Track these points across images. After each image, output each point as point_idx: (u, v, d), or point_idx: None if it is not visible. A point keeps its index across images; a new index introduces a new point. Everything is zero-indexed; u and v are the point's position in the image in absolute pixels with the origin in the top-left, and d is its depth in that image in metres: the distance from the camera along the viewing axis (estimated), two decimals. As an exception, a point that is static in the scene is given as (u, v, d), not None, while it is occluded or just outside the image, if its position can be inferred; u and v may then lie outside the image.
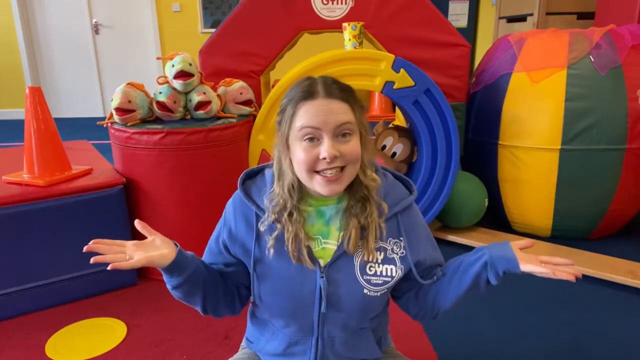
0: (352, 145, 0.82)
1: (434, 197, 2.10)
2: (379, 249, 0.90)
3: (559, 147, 2.05)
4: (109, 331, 1.59)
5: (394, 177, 0.98)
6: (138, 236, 0.89)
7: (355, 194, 0.88)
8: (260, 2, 2.20)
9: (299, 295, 0.90)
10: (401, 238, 0.92)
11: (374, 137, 2.31)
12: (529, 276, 0.96)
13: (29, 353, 1.48)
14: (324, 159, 0.80)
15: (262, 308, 0.95)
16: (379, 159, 2.18)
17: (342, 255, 0.89)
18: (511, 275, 0.96)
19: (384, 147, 2.23)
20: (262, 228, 0.89)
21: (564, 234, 2.22)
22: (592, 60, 2.02)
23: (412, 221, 0.94)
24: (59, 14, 5.84)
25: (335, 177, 0.82)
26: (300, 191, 0.88)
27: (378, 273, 0.90)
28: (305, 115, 0.81)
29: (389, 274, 0.91)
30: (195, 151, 1.80)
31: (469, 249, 2.16)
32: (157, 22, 5.90)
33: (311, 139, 0.81)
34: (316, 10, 2.23)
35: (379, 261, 0.90)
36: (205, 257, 1.01)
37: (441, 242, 2.25)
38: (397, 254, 0.91)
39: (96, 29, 5.94)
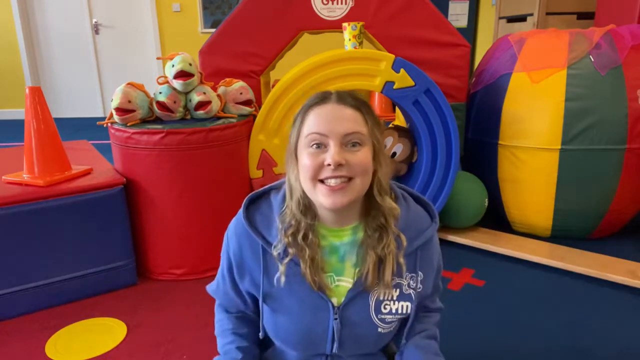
0: (362, 155, 0.76)
1: (434, 197, 2.10)
2: (395, 286, 0.84)
3: (559, 147, 2.05)
4: (109, 331, 1.59)
5: (414, 199, 0.90)
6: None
7: (372, 222, 0.81)
8: (260, 2, 2.20)
9: (311, 333, 0.85)
10: (420, 273, 0.86)
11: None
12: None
13: (29, 353, 1.48)
14: (329, 165, 0.74)
15: (273, 338, 0.92)
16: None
17: (357, 295, 0.83)
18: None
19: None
20: (274, 253, 0.82)
21: (564, 234, 2.22)
22: (592, 60, 2.02)
23: (431, 254, 0.89)
24: (59, 14, 5.84)
25: (340, 186, 0.74)
26: (311, 210, 0.81)
27: (393, 311, 0.85)
28: (313, 121, 0.77)
29: (403, 311, 0.86)
30: (195, 151, 1.80)
31: (469, 249, 2.18)
32: (157, 22, 5.90)
33: (318, 146, 0.76)
34: (316, 10, 2.23)
35: (394, 298, 0.85)
36: (222, 301, 0.96)
37: (441, 242, 2.24)
38: (413, 289, 0.86)
39: (96, 29, 5.94)
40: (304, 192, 0.79)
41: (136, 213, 1.88)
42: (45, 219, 1.66)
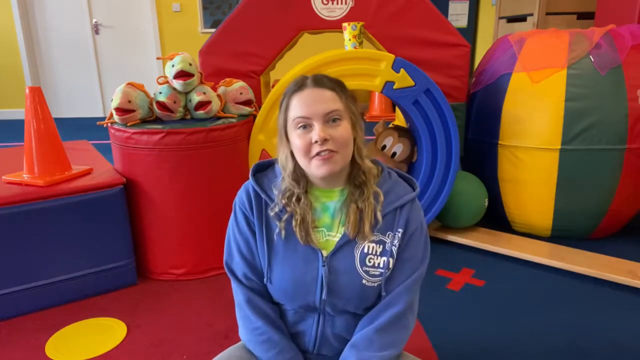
0: (342, 129, 0.89)
1: (434, 197, 2.10)
2: (379, 242, 0.95)
3: (559, 147, 2.05)
4: (109, 331, 1.59)
5: (398, 175, 1.03)
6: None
7: (354, 179, 0.95)
8: (260, 2, 2.20)
9: (302, 281, 0.95)
10: (399, 230, 0.95)
11: (374, 137, 2.31)
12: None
13: (29, 353, 1.48)
14: (316, 142, 0.87)
15: (271, 289, 0.99)
16: (380, 159, 2.18)
17: (343, 246, 0.94)
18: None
19: (384, 147, 2.23)
20: (271, 213, 0.95)
21: (564, 234, 2.22)
22: (592, 60, 2.02)
23: (412, 215, 0.97)
24: (59, 14, 5.84)
25: (329, 156, 0.87)
26: (304, 178, 0.95)
27: (376, 265, 0.94)
28: (297, 106, 0.90)
29: (384, 265, 0.94)
30: (195, 151, 1.80)
31: (469, 249, 2.18)
32: (157, 22, 5.90)
33: (304, 127, 0.89)
34: (316, 10, 2.23)
35: (378, 253, 0.95)
36: (243, 270, 1.00)
37: (441, 242, 2.25)
38: (394, 246, 0.95)
39: (96, 29, 5.94)
40: (294, 166, 0.93)
41: (136, 213, 1.88)
42: (45, 219, 1.66)
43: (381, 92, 1.98)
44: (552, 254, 2.04)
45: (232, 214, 1.02)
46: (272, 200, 0.96)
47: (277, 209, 0.95)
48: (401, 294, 0.95)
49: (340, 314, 0.98)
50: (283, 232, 0.94)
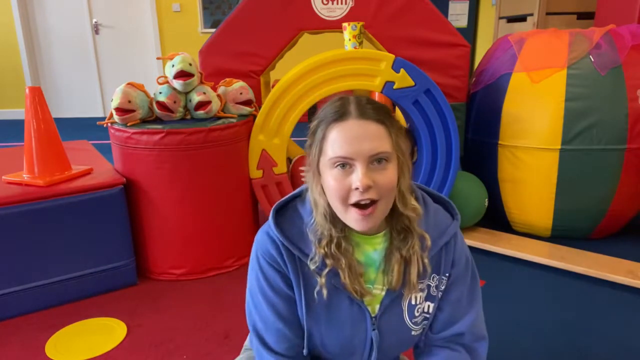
0: (388, 174, 0.75)
1: (434, 197, 2.10)
2: (424, 288, 0.85)
3: (559, 147, 2.05)
4: (109, 331, 1.59)
5: (433, 199, 0.90)
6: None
7: (396, 225, 0.82)
8: (260, 2, 2.20)
9: (349, 344, 0.85)
10: (447, 274, 0.86)
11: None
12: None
13: (29, 353, 1.48)
14: (357, 188, 0.73)
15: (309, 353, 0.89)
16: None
17: (391, 302, 0.84)
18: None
19: (384, 147, 2.22)
20: (312, 266, 0.80)
21: (564, 234, 2.22)
22: (592, 60, 2.02)
23: (456, 252, 0.87)
24: (59, 14, 5.84)
25: (370, 210, 0.75)
26: (340, 220, 0.80)
27: (423, 311, 0.87)
28: (337, 142, 0.74)
29: (428, 310, 0.87)
30: (195, 151, 1.80)
31: (469, 249, 2.17)
32: (157, 22, 5.90)
33: (343, 166, 0.74)
34: (316, 10, 2.23)
35: (423, 299, 0.86)
36: (284, 335, 0.84)
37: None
38: (441, 291, 0.86)
39: (96, 29, 5.94)
40: (329, 206, 0.79)
41: (136, 213, 1.88)
42: (45, 219, 1.66)
43: (381, 92, 1.98)
44: (552, 254, 2.04)
45: (257, 270, 0.84)
46: (305, 254, 0.81)
47: (317, 262, 0.79)
48: (466, 338, 0.88)
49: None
50: (325, 291, 0.80)
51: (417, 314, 0.86)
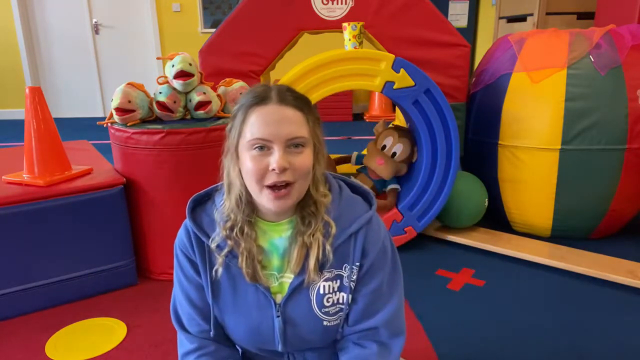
0: (304, 157, 0.78)
1: (434, 197, 2.10)
2: (335, 278, 0.85)
3: (559, 147, 2.05)
4: (109, 331, 1.59)
5: (352, 189, 0.91)
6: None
7: (303, 210, 0.83)
8: (260, 2, 2.20)
9: (258, 330, 0.87)
10: (357, 264, 0.85)
11: (374, 137, 2.31)
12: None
13: (29, 353, 1.48)
14: (273, 170, 0.76)
15: (229, 335, 0.93)
16: (379, 159, 2.18)
17: (297, 289, 0.84)
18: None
19: (384, 147, 2.23)
20: (212, 245, 0.84)
21: (564, 234, 2.22)
22: (592, 60, 2.02)
23: (369, 242, 0.85)
24: (59, 14, 5.84)
25: (285, 192, 0.77)
26: (250, 205, 0.83)
27: (335, 302, 0.85)
28: (255, 124, 0.77)
29: (342, 301, 0.86)
30: (195, 151, 1.80)
31: (469, 249, 2.18)
32: (157, 22, 5.91)
33: (261, 148, 0.77)
34: (316, 10, 2.23)
35: (336, 289, 0.85)
36: (195, 320, 0.91)
37: (441, 242, 2.25)
38: (352, 281, 0.85)
39: (96, 29, 5.94)
40: (244, 188, 0.81)
41: (136, 213, 1.88)
42: (45, 219, 1.66)
43: (381, 92, 1.98)
44: (552, 254, 2.04)
45: (175, 260, 0.90)
46: (209, 237, 0.85)
47: (217, 242, 0.83)
48: (381, 334, 0.87)
49: (307, 351, 0.92)
50: (220, 270, 0.83)
51: (327, 304, 0.85)
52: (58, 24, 5.87)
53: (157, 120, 1.88)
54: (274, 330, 0.86)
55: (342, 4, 2.23)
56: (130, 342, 1.53)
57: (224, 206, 0.84)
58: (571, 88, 2.02)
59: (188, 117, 1.92)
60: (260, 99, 0.78)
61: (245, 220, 0.83)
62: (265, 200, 0.78)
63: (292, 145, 0.77)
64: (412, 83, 1.96)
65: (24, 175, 1.75)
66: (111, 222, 1.79)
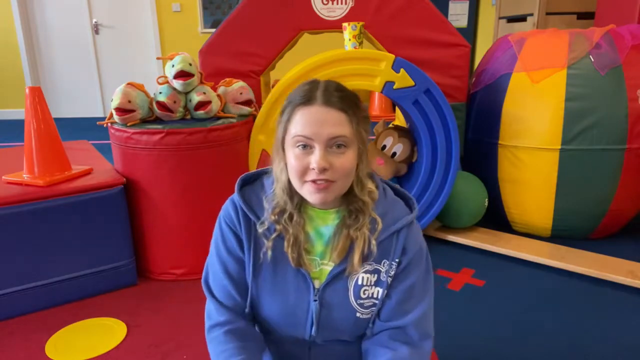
0: (345, 159, 0.80)
1: (434, 197, 2.10)
2: (373, 272, 0.87)
3: (559, 147, 2.05)
4: (109, 331, 1.59)
5: (395, 192, 0.94)
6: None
7: (350, 205, 0.86)
8: (260, 2, 2.20)
9: (292, 314, 0.89)
10: (396, 260, 0.88)
11: (374, 137, 2.31)
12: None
13: (29, 353, 1.48)
14: (313, 169, 0.78)
15: (257, 317, 0.94)
16: (379, 159, 2.18)
17: (337, 277, 0.87)
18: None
19: (384, 147, 2.23)
20: (260, 230, 0.87)
21: (564, 234, 2.22)
22: (592, 60, 2.02)
23: (410, 243, 0.89)
24: (59, 14, 5.83)
25: (324, 185, 0.79)
26: (299, 197, 0.86)
27: (370, 295, 0.88)
28: (299, 123, 0.80)
29: (377, 296, 0.88)
30: (195, 151, 1.80)
31: (469, 249, 2.18)
32: (157, 22, 5.90)
33: (304, 146, 0.79)
34: (316, 10, 2.23)
35: (372, 283, 0.88)
36: (229, 291, 0.91)
37: (441, 242, 2.25)
38: (390, 276, 0.88)
39: (96, 29, 5.94)
40: (289, 182, 0.84)
41: (136, 213, 1.88)
42: (45, 219, 1.66)
43: (381, 92, 1.98)
44: (552, 254, 2.04)
45: (217, 230, 0.93)
46: (258, 218, 0.88)
47: (266, 225, 0.86)
48: (411, 334, 0.87)
49: (331, 344, 0.93)
50: (270, 253, 0.86)
51: (363, 296, 0.88)
52: (58, 24, 5.87)
53: (157, 120, 1.88)
54: (309, 314, 0.88)
55: (342, 4, 2.22)
56: (130, 342, 1.53)
57: (273, 193, 0.87)
58: (571, 88, 2.02)
59: (188, 117, 1.92)
60: (306, 99, 0.80)
61: (294, 207, 0.86)
62: (306, 193, 0.82)
63: (334, 145, 0.79)
64: (412, 83, 1.96)
65: (24, 175, 1.75)
66: (111, 222, 1.79)
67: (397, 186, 0.96)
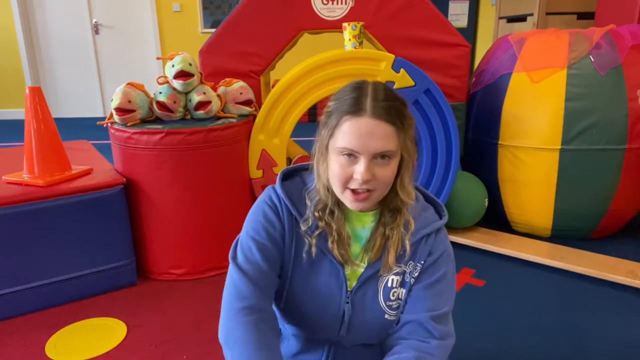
0: (388, 170, 0.81)
1: (434, 197, 2.10)
2: (400, 273, 0.89)
3: (559, 147, 2.05)
4: (109, 331, 1.59)
5: (425, 198, 0.96)
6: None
7: (390, 204, 0.87)
8: (260, 2, 2.19)
9: (325, 314, 0.89)
10: (421, 262, 0.89)
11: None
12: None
13: (29, 353, 1.48)
14: (357, 178, 0.79)
15: (284, 314, 0.94)
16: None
17: (368, 279, 0.88)
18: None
19: (384, 147, 2.23)
20: (304, 227, 0.87)
21: (564, 234, 2.22)
22: (592, 60, 2.02)
23: (437, 246, 0.90)
24: (59, 14, 5.83)
25: (364, 196, 0.81)
26: (336, 195, 0.86)
27: (397, 297, 0.89)
28: (347, 134, 0.79)
29: (402, 297, 0.90)
30: (195, 151, 1.80)
31: (469, 249, 2.18)
32: (157, 22, 5.90)
33: (349, 155, 0.80)
34: (316, 10, 2.23)
35: (398, 284, 0.89)
36: (260, 266, 0.86)
37: (441, 242, 2.25)
38: (413, 277, 0.89)
39: (96, 29, 5.94)
40: (329, 182, 0.85)
41: (136, 213, 1.88)
42: (45, 219, 1.66)
43: (381, 92, 1.97)
44: (552, 254, 2.04)
45: (259, 213, 0.89)
46: (301, 215, 0.88)
47: (309, 223, 0.87)
48: (435, 331, 0.86)
49: (357, 346, 0.94)
50: (314, 249, 0.86)
51: (392, 298, 0.89)
52: (58, 24, 5.87)
53: (157, 120, 1.88)
54: (341, 315, 0.89)
55: (342, 4, 2.22)
56: (130, 342, 1.53)
57: (315, 190, 0.88)
58: (571, 88, 2.02)
59: (188, 117, 1.92)
60: (356, 109, 0.79)
61: (334, 203, 0.86)
62: (346, 200, 0.83)
63: (379, 157, 0.80)
64: (412, 83, 1.96)
65: (24, 175, 1.75)
66: (111, 222, 1.79)
67: (428, 192, 0.98)
